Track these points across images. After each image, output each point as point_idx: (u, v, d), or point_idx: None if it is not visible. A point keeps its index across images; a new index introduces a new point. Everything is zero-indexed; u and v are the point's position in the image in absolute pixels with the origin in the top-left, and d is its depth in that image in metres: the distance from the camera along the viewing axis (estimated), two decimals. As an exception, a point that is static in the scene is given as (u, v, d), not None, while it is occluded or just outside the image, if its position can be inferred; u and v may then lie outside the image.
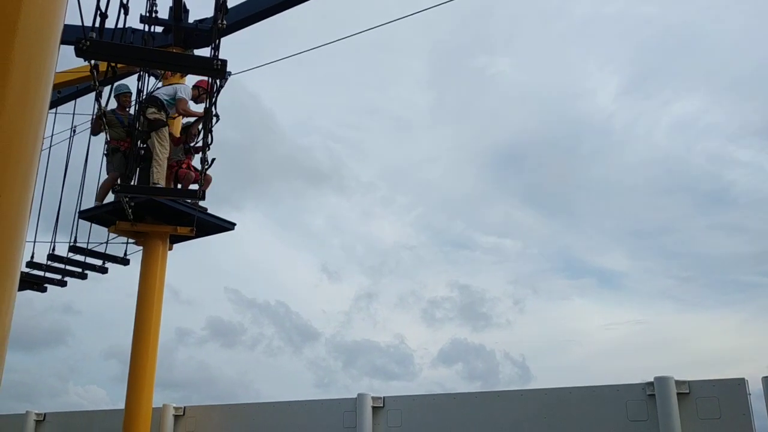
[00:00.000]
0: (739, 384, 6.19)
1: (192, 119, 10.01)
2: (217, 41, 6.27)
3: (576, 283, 33.59)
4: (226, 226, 9.97)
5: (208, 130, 8.19)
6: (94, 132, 10.25)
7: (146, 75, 8.86)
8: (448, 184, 36.88)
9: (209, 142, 8.47)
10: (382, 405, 8.15)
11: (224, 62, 4.96)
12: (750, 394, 6.20)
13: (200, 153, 10.35)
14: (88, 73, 6.02)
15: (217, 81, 7.54)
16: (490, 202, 36.83)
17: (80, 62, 6.51)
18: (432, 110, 35.89)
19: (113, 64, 5.84)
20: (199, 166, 10.13)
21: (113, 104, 9.98)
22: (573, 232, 35.20)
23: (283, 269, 35.90)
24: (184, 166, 10.00)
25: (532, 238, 34.76)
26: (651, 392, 6.55)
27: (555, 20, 33.81)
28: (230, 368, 29.98)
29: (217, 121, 7.79)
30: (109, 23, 5.28)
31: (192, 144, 10.30)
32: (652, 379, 6.58)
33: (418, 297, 33.05)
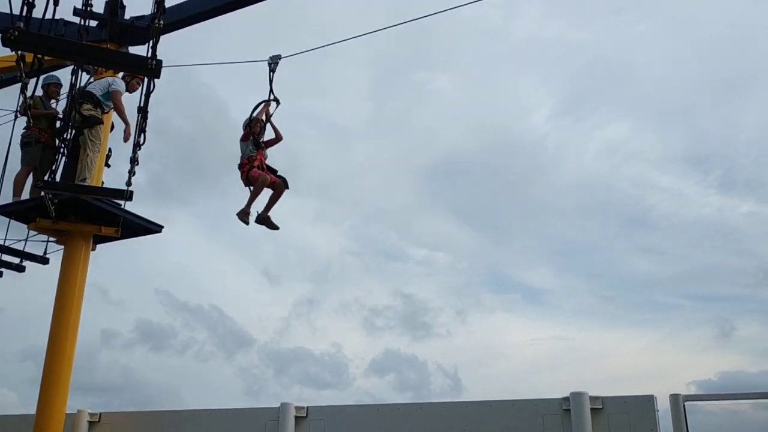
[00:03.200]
0: (649, 400, 6.49)
1: (256, 112, 9.33)
2: (155, 40, 6.17)
3: (503, 298, 34.40)
4: (154, 228, 9.73)
5: (141, 130, 8.02)
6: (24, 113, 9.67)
7: (78, 70, 8.61)
8: (383, 195, 37.16)
9: (141, 142, 8.29)
10: (305, 415, 8.11)
11: (159, 62, 4.89)
12: (658, 410, 6.52)
13: (272, 146, 9.68)
14: (14, 64, 5.81)
15: (153, 80, 7.41)
16: (423, 215, 37.30)
17: (6, 51, 6.28)
18: (370, 121, 36.14)
19: (40, 56, 5.66)
20: (268, 163, 9.28)
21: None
22: (502, 248, 36.08)
23: (219, 272, 35.20)
24: (255, 164, 9.08)
25: (463, 252, 35.40)
26: (567, 407, 6.78)
27: (494, 41, 34.69)
28: (157, 373, 29.11)
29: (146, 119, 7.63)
30: (42, 15, 5.13)
31: (262, 138, 9.36)
32: (568, 394, 6.81)
33: (360, 305, 33.04)
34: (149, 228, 9.69)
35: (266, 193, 9.18)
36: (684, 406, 6.39)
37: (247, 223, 9.00)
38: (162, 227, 9.80)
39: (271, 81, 9.06)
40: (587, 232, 33.64)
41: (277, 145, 9.60)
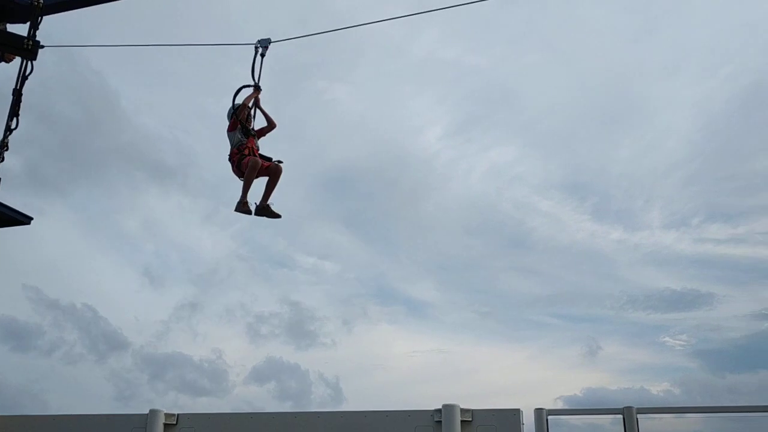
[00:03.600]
0: (515, 414, 6.76)
1: (240, 100, 8.87)
2: (34, 19, 5.81)
3: (388, 310, 34.82)
4: (21, 219, 9.09)
5: (14, 114, 7.49)
6: None
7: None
8: (275, 200, 36.59)
9: (13, 127, 7.75)
10: (175, 422, 7.82)
11: (36, 43, 4.61)
12: (523, 424, 6.81)
13: (264, 135, 9.09)
14: None
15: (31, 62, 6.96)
16: (314, 224, 37.11)
17: None
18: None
19: None
20: (262, 150, 8.78)
21: None
22: (389, 260, 36.54)
23: (95, 270, 33.13)
24: (246, 152, 8.51)
25: (352, 262, 35.57)
26: (438, 419, 6.94)
27: (394, 57, 35.27)
28: (18, 375, 26.89)
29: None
30: None
31: (252, 126, 8.86)
32: (440, 407, 6.98)
33: (246, 311, 32.25)
34: (16, 218, 9.04)
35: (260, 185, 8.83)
36: (547, 420, 6.72)
37: (249, 212, 8.52)
38: (31, 218, 9.16)
39: (260, 66, 8.75)
40: (471, 249, 34.84)
41: (270, 133, 9.16)
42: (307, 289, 34.65)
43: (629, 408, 6.44)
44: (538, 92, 35.15)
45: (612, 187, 33.52)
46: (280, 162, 8.67)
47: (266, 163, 8.59)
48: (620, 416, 6.52)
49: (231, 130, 8.79)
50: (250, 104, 8.95)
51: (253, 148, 8.69)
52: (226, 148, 8.97)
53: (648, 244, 32.50)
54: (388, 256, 36.46)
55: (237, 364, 31.88)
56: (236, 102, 8.96)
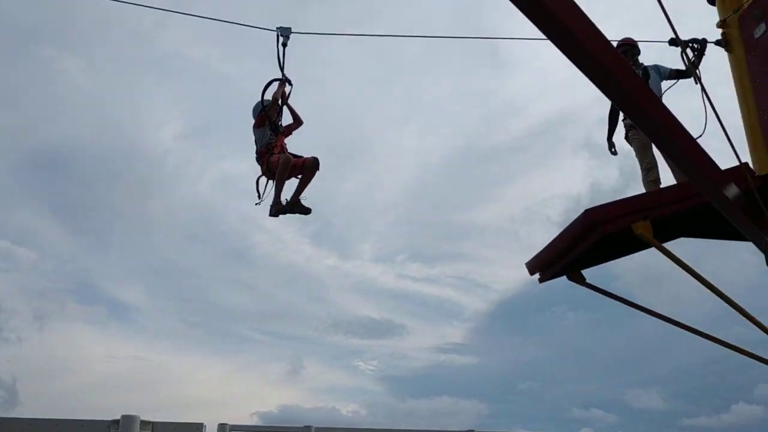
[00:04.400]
0: (198, 428, 6.71)
1: (269, 93, 8.05)
2: None
3: (88, 309, 31.98)
4: None
5: None
6: None
7: None
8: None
9: None
10: None
11: None
12: (207, 439, 6.77)
13: (291, 133, 8.37)
14: None
15: None
16: (11, 203, 32.74)
17: None
18: (-26, 83, 30.78)
19: None
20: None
21: None
22: (97, 256, 33.70)
23: None
24: (276, 150, 7.88)
25: (52, 252, 32.02)
26: (116, 429, 6.57)
27: (140, 43, 33.09)
28: None
29: None
30: None
31: (279, 121, 8.19)
32: (119, 417, 6.63)
33: None
34: None
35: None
36: (230, 434, 6.78)
37: (285, 212, 8.01)
38: None
39: (283, 57, 7.90)
40: (189, 256, 33.82)
41: (297, 130, 8.55)
42: (-8, 275, 30.34)
43: (308, 427, 6.81)
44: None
45: (335, 216, 35.36)
46: (317, 164, 8.22)
47: (299, 160, 8.14)
48: (300, 434, 6.85)
49: (258, 126, 8.27)
50: (279, 99, 8.38)
51: (283, 146, 8.26)
52: None
53: (357, 274, 34.88)
54: (98, 252, 33.71)
55: None
56: (265, 97, 8.38)
